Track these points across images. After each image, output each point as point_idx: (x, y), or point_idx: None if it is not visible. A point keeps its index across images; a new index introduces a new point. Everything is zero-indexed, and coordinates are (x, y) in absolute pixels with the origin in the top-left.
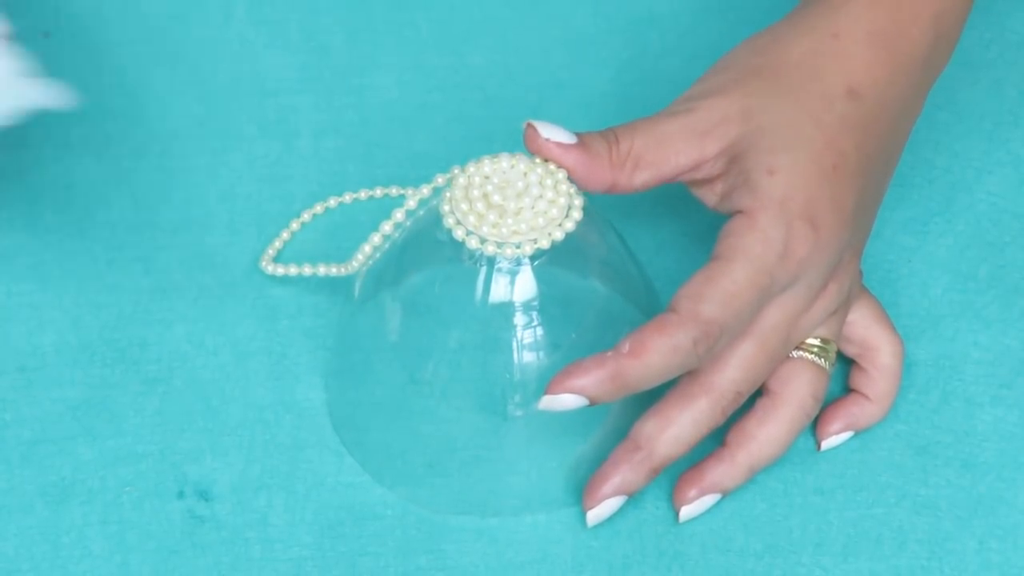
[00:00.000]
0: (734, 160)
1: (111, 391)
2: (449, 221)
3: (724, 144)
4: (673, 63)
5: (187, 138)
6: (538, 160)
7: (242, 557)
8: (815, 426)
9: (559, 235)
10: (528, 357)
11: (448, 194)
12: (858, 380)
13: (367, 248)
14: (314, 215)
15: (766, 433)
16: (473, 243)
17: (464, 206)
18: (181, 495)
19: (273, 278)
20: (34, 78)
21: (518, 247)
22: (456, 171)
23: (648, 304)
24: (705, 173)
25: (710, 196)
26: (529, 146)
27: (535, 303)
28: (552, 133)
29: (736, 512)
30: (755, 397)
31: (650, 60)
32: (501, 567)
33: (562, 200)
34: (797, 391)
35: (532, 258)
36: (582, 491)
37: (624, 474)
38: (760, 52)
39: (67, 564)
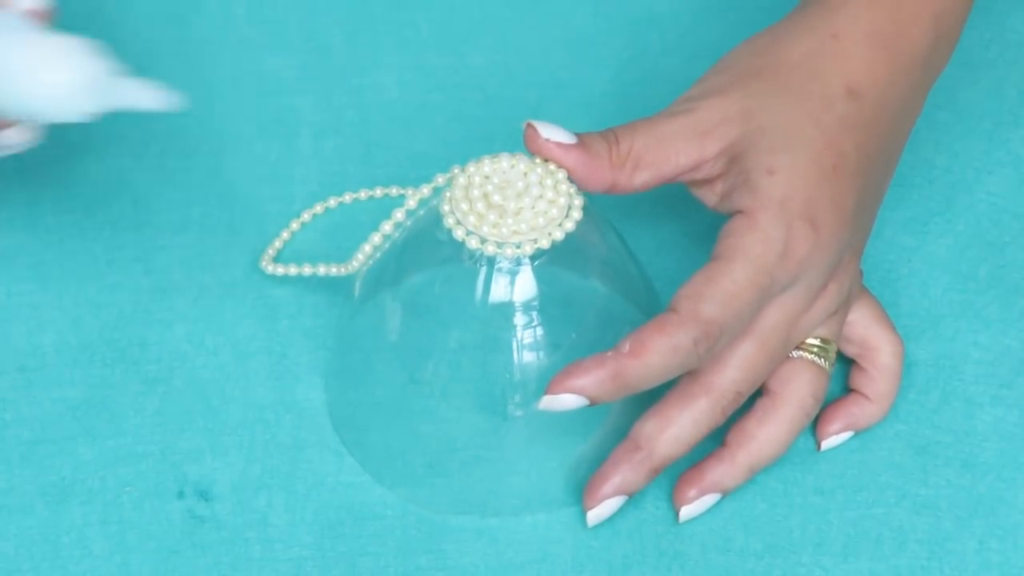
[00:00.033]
0: (734, 160)
1: (111, 391)
2: (449, 221)
3: (724, 144)
4: (673, 63)
5: (187, 138)
6: (538, 160)
7: (242, 557)
8: (815, 426)
9: (559, 235)
10: (528, 357)
11: (448, 194)
12: (858, 380)
13: (367, 248)
14: (314, 215)
15: (766, 433)
16: (473, 243)
17: (464, 206)
18: (181, 495)
19: (273, 278)
20: (132, 79)
21: (518, 247)
22: (456, 171)
23: (648, 304)
24: (705, 173)
25: (710, 196)
26: (529, 146)
27: (535, 303)
28: (552, 133)
29: (736, 512)
30: (755, 397)
31: (650, 60)
32: (501, 567)
33: (562, 200)
34: (797, 391)
35: (532, 258)
36: (582, 491)
37: (624, 474)
38: (760, 53)
39: (67, 564)
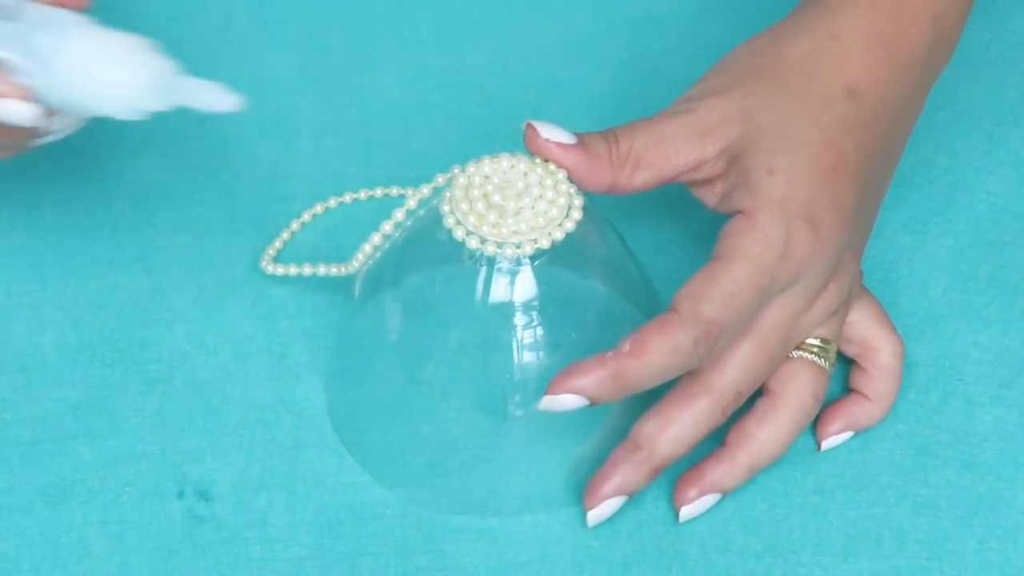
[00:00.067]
0: (734, 160)
1: (111, 391)
2: (449, 221)
3: (724, 144)
4: (673, 63)
5: (187, 138)
6: (538, 160)
7: (242, 557)
8: (815, 426)
9: (559, 235)
10: (528, 357)
11: (448, 194)
12: (858, 380)
13: (367, 248)
14: (314, 215)
15: (766, 433)
16: (473, 243)
17: (464, 206)
18: (181, 495)
19: (273, 278)
20: (193, 78)
21: (518, 247)
22: (456, 171)
23: (648, 304)
24: (705, 173)
25: (710, 196)
26: (529, 146)
27: (535, 303)
28: (552, 133)
29: (736, 512)
30: (755, 397)
31: (650, 60)
32: (501, 567)
33: (562, 200)
34: (797, 391)
35: (532, 258)
36: (582, 491)
37: (624, 474)
38: (760, 53)
39: (67, 564)
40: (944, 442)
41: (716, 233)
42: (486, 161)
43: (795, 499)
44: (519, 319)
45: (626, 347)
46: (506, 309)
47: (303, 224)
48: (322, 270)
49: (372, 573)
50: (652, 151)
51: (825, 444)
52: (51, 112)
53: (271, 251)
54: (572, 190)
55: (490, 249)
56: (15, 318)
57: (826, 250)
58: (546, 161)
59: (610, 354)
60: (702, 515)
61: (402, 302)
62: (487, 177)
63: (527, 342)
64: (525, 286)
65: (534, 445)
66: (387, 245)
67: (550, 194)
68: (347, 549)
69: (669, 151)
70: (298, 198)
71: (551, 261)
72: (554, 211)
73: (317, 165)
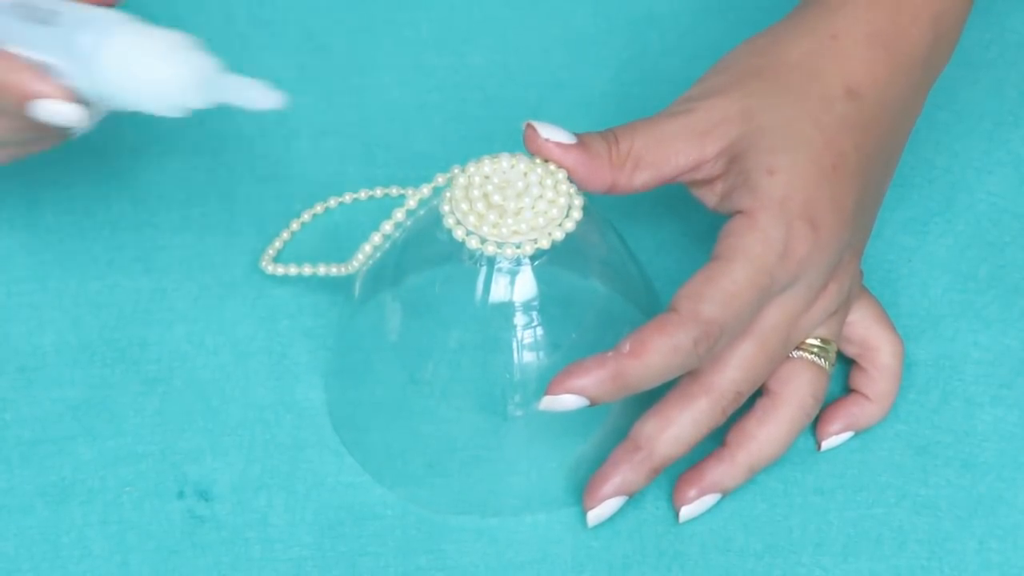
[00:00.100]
0: (734, 160)
1: (111, 391)
2: (449, 221)
3: (724, 144)
4: (673, 63)
5: (187, 138)
6: (538, 160)
7: (242, 557)
8: (815, 426)
9: (559, 235)
10: (528, 357)
11: (448, 194)
12: (858, 380)
13: (367, 248)
14: (314, 215)
15: (766, 433)
16: (473, 243)
17: (464, 206)
18: (181, 495)
19: (273, 278)
20: (238, 76)
21: (518, 247)
22: (456, 171)
23: (648, 304)
24: (705, 173)
25: (710, 196)
26: (529, 147)
27: (535, 303)
28: (552, 133)
29: (736, 512)
30: (755, 397)
31: (650, 60)
32: (501, 567)
33: (562, 200)
34: (797, 391)
35: (532, 258)
36: (582, 491)
37: (624, 474)
38: (760, 53)
39: (67, 564)
40: (944, 442)
41: (716, 233)
42: (486, 161)
43: (795, 499)
44: (519, 319)
45: (626, 347)
46: (506, 309)
47: (303, 224)
48: (322, 270)
49: (372, 573)
50: (652, 151)
51: (825, 444)
52: (92, 110)
53: (271, 251)
54: (572, 190)
55: (490, 249)
56: (15, 318)
57: (826, 250)
58: (546, 161)
59: (610, 354)
60: (702, 515)
61: (402, 302)
62: (487, 177)
63: (527, 342)
64: (525, 286)
65: (534, 445)
66: (387, 245)
67: (550, 194)
68: (347, 549)
69: (669, 151)
70: (298, 198)
71: (551, 261)
72: (554, 211)
73: (317, 165)
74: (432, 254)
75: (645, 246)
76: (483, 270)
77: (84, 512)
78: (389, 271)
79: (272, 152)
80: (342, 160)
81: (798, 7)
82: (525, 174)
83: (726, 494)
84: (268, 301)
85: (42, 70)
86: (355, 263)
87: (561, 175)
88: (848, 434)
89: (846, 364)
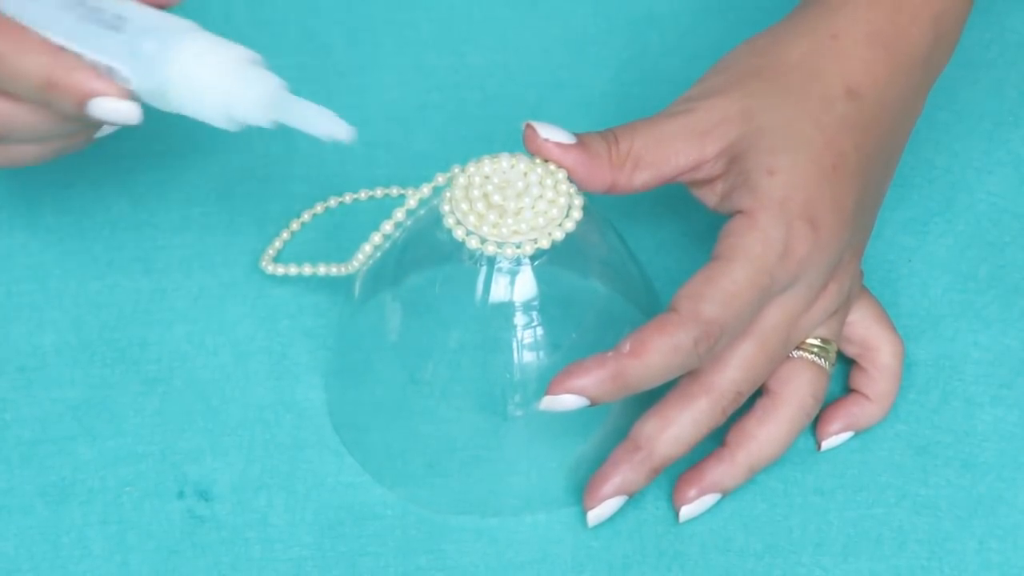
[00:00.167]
0: (734, 160)
1: (111, 391)
2: (449, 221)
3: (724, 144)
4: (673, 63)
5: (187, 138)
6: (538, 160)
7: (242, 557)
8: (815, 426)
9: (559, 235)
10: (528, 357)
11: (448, 194)
12: (858, 380)
13: (367, 248)
14: (314, 215)
15: (766, 433)
16: (473, 243)
17: (464, 206)
18: (181, 495)
19: (273, 278)
20: (307, 102)
21: (518, 247)
22: (456, 171)
23: (648, 304)
24: (705, 173)
25: (710, 196)
26: (528, 147)
27: (535, 303)
28: (551, 133)
29: (736, 512)
30: (755, 397)
31: (650, 60)
32: (501, 567)
33: (562, 200)
34: (797, 391)
35: (532, 258)
36: (582, 491)
37: (624, 474)
38: (760, 53)
39: (67, 564)
40: (944, 442)
41: (716, 233)
42: (486, 161)
43: (795, 499)
44: (519, 319)
45: (626, 347)
46: (506, 309)
47: (303, 224)
48: (322, 270)
49: (372, 573)
50: (652, 151)
51: (825, 444)
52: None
53: (271, 251)
54: (572, 190)
55: (490, 249)
56: (15, 318)
57: (826, 250)
58: (546, 161)
59: (610, 354)
60: (702, 515)
61: (402, 302)
62: (487, 177)
63: (527, 342)
64: (525, 286)
65: (534, 445)
66: (387, 245)
67: (550, 194)
68: (347, 549)
69: (669, 151)
70: (298, 198)
71: (551, 261)
72: (554, 211)
73: (317, 165)
74: (432, 254)
75: (645, 246)
76: (483, 270)
77: (84, 512)
78: (389, 271)
79: (272, 152)
80: (342, 160)
81: (798, 7)
82: (525, 174)
83: (726, 494)
84: (268, 301)
85: (104, 71)
86: (355, 263)
87: (561, 175)
88: (848, 434)
89: (846, 364)
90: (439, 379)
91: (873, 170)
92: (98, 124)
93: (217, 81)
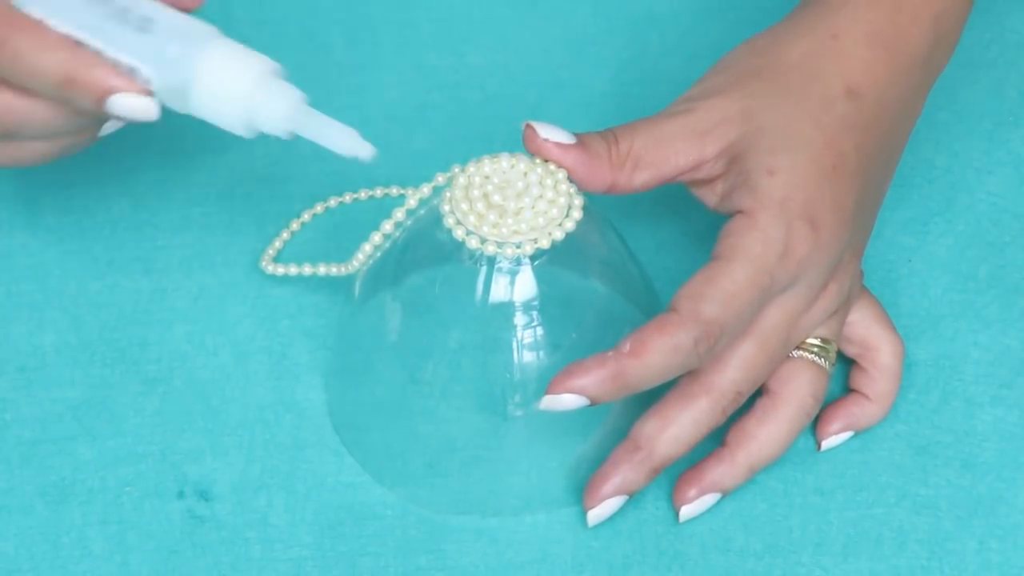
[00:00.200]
0: (734, 160)
1: (111, 391)
2: (449, 221)
3: (724, 144)
4: (673, 63)
5: (187, 138)
6: (538, 160)
7: (242, 557)
8: (815, 426)
9: (559, 235)
10: (528, 357)
11: (448, 194)
12: (858, 380)
13: (367, 248)
14: (314, 215)
15: (766, 433)
16: (473, 243)
17: (464, 206)
18: (181, 495)
19: (273, 278)
20: (329, 117)
21: (518, 247)
22: (456, 171)
23: (648, 304)
24: (705, 173)
25: (710, 196)
26: (528, 147)
27: (535, 303)
28: (551, 133)
29: (736, 512)
30: (755, 397)
31: (650, 60)
32: (501, 567)
33: (562, 200)
34: (797, 391)
35: (532, 258)
36: (582, 491)
37: (624, 474)
38: (760, 53)
39: (67, 564)
40: (944, 442)
41: (716, 233)
42: (486, 161)
43: (795, 499)
44: (519, 319)
45: (626, 347)
46: (506, 309)
47: (303, 224)
48: (322, 270)
49: (372, 573)
50: (652, 151)
51: (825, 444)
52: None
53: (271, 251)
54: (572, 190)
55: (490, 249)
56: (15, 318)
57: (826, 250)
58: (546, 161)
59: (610, 354)
60: (702, 515)
61: (402, 302)
62: (487, 177)
63: (527, 342)
64: (525, 286)
65: (534, 445)
66: (387, 245)
67: (550, 194)
68: (347, 549)
69: (669, 151)
70: (298, 198)
71: (551, 261)
72: (554, 211)
73: (317, 165)
74: (432, 254)
75: (645, 246)
76: (483, 270)
77: (84, 512)
78: (389, 271)
79: (272, 152)
80: (342, 160)
81: (798, 7)
82: (525, 174)
83: (726, 494)
84: (268, 301)
85: (124, 70)
86: (355, 263)
87: (561, 175)
88: (848, 434)
89: (846, 364)
90: (439, 379)
91: (873, 170)
92: (108, 120)
93: (242, 91)
